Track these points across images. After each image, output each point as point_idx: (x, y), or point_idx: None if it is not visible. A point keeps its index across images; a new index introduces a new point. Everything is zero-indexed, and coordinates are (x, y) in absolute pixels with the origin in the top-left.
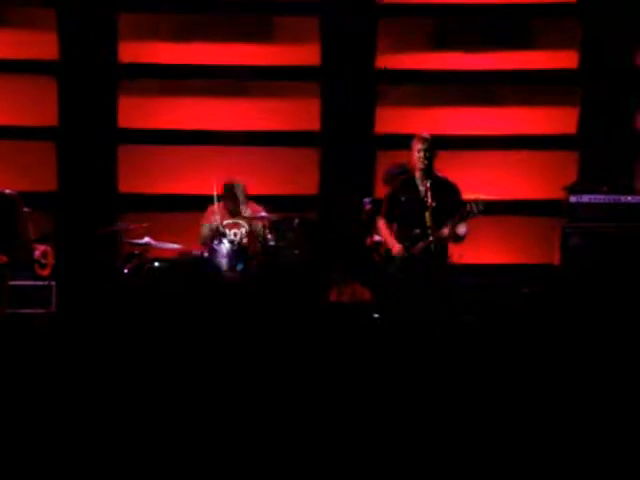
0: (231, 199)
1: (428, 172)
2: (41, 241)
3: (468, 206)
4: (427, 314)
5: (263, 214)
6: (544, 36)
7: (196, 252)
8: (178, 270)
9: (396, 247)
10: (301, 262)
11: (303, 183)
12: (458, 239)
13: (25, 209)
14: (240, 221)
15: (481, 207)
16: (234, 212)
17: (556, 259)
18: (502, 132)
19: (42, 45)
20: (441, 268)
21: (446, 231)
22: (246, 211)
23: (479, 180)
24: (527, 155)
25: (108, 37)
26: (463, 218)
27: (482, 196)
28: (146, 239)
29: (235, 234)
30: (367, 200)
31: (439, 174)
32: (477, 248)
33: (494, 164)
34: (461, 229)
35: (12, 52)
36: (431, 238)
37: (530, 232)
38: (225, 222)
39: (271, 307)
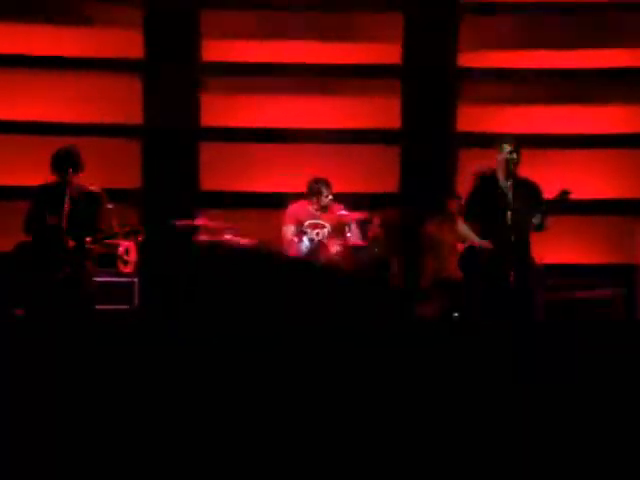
0: (316, 196)
1: (512, 173)
2: (131, 235)
3: (555, 196)
4: (509, 314)
5: (344, 212)
6: (630, 32)
7: (273, 247)
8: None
9: (483, 242)
10: (382, 260)
11: (384, 181)
12: (540, 228)
13: (109, 205)
14: (323, 221)
15: (567, 192)
16: (321, 209)
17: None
18: (586, 131)
19: (127, 43)
20: (524, 267)
21: (536, 220)
22: (330, 209)
23: (563, 179)
24: (612, 153)
25: (192, 34)
26: (554, 202)
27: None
28: (226, 236)
29: (317, 234)
30: (460, 198)
31: (521, 175)
32: (560, 248)
33: (578, 162)
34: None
35: (97, 50)
36: (513, 238)
37: (614, 231)
38: (308, 222)
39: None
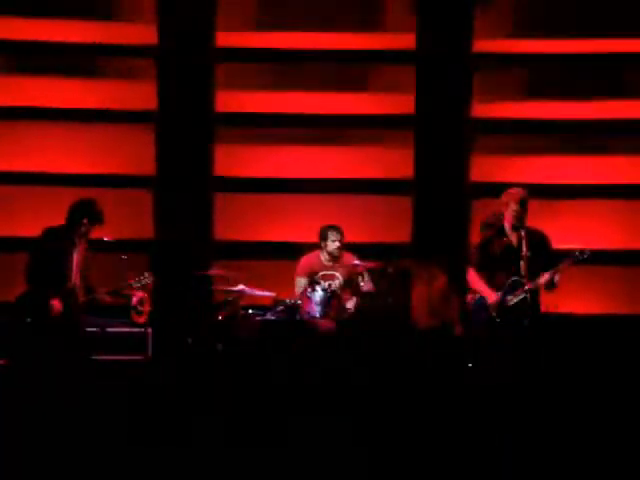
0: (324, 242)
1: (520, 222)
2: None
3: (575, 253)
4: (521, 366)
5: (357, 262)
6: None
7: (290, 300)
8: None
9: (493, 296)
10: (396, 309)
11: (397, 231)
12: (552, 287)
13: (123, 256)
14: (335, 272)
15: (587, 254)
16: (330, 256)
17: None
18: (598, 181)
19: (140, 95)
20: (536, 318)
21: (543, 280)
22: (342, 258)
23: (574, 229)
24: (624, 204)
25: (205, 86)
26: (558, 269)
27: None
28: (240, 286)
29: (330, 285)
30: (471, 248)
31: (529, 225)
32: (572, 298)
33: (590, 213)
34: (557, 277)
35: (111, 102)
36: (527, 287)
37: (626, 282)
38: (321, 273)
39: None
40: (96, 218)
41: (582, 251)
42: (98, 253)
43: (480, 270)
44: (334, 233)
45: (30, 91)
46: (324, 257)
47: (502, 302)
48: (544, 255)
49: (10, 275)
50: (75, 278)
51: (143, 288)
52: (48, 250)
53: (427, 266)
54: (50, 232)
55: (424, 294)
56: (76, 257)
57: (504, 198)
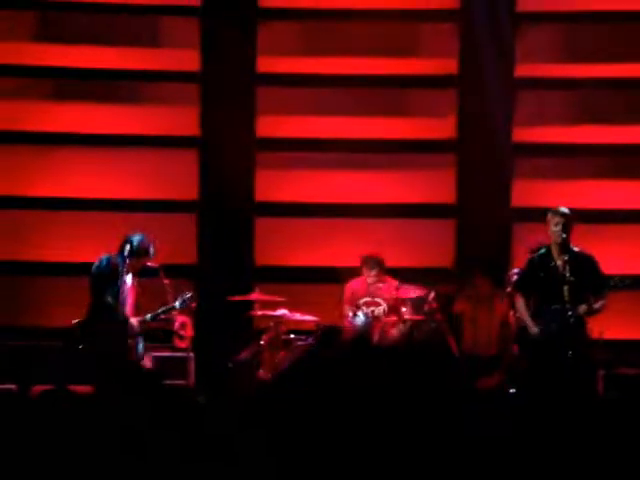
0: (372, 269)
1: (565, 246)
2: (185, 303)
3: (612, 280)
4: (567, 391)
5: (400, 288)
6: None
7: (332, 324)
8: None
9: (533, 329)
10: (439, 335)
11: (439, 255)
12: (593, 313)
13: (166, 281)
14: (378, 299)
15: (627, 282)
16: (376, 281)
17: None
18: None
19: (184, 119)
20: (581, 344)
21: (582, 310)
22: (385, 284)
23: (616, 254)
24: None
25: (247, 111)
26: (603, 292)
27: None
28: (281, 311)
29: (373, 311)
30: (515, 271)
31: (576, 248)
32: (618, 323)
33: (631, 238)
34: (597, 304)
35: (155, 128)
36: (570, 313)
37: None
38: (363, 300)
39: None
40: (146, 253)
41: (622, 278)
42: (142, 279)
43: (526, 296)
44: (370, 264)
45: (71, 118)
46: (368, 282)
47: (542, 335)
48: (592, 279)
49: (51, 299)
50: (130, 308)
51: (185, 307)
52: (111, 279)
53: (488, 291)
54: (109, 261)
55: (486, 320)
56: (129, 288)
57: (547, 218)
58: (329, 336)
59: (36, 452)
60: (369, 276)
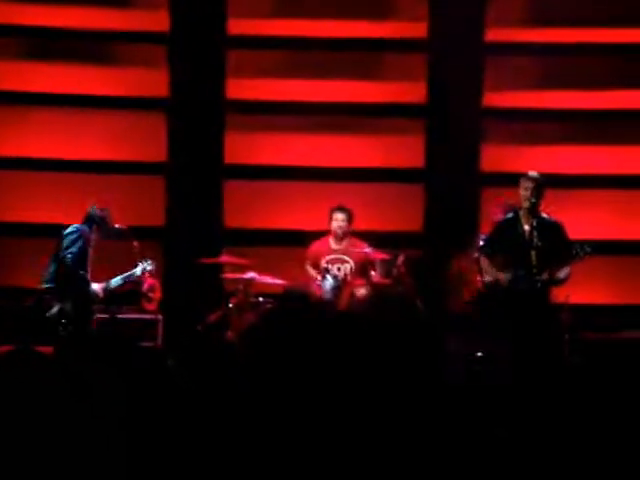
0: (331, 222)
1: (533, 211)
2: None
3: (574, 249)
4: (533, 354)
5: (367, 250)
6: None
7: (300, 287)
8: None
9: (505, 276)
10: (406, 299)
11: (407, 220)
12: (558, 282)
13: (135, 243)
14: (345, 257)
15: (588, 249)
16: (336, 238)
17: None
18: (610, 171)
19: (152, 82)
20: (546, 308)
21: (545, 276)
22: (352, 244)
23: (586, 220)
24: (633, 194)
25: (217, 74)
26: (567, 261)
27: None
28: (250, 274)
29: (339, 269)
30: (482, 237)
31: (544, 213)
32: (584, 288)
33: (601, 203)
34: (561, 273)
35: (122, 89)
36: (537, 277)
37: (636, 272)
38: (328, 257)
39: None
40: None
41: (582, 247)
42: (110, 240)
43: (491, 258)
44: (338, 213)
45: (42, 77)
46: (332, 241)
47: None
48: (558, 246)
49: (18, 260)
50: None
51: (145, 273)
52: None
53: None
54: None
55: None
56: (91, 252)
57: (519, 183)
58: (292, 299)
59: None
60: (337, 220)
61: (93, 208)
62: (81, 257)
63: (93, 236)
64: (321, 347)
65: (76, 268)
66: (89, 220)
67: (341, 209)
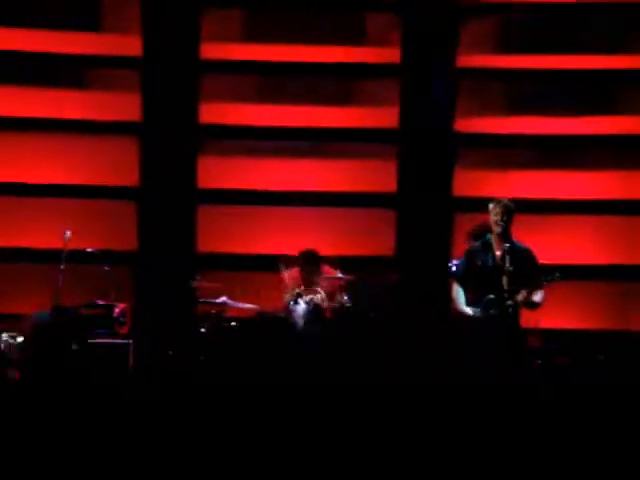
0: (311, 270)
1: (505, 236)
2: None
3: (544, 275)
4: (501, 378)
5: (339, 276)
6: (624, 102)
7: (273, 312)
8: (258, 328)
9: (469, 310)
10: (378, 323)
11: (379, 244)
12: (533, 306)
13: (106, 267)
14: (317, 287)
15: (557, 275)
16: (311, 282)
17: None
18: (580, 196)
19: (124, 106)
20: (516, 332)
21: (521, 297)
22: (321, 279)
23: (558, 244)
24: (605, 219)
25: (190, 98)
26: (539, 286)
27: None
28: (223, 298)
29: (312, 299)
30: (454, 262)
31: (515, 239)
32: (553, 313)
33: (572, 228)
34: (537, 297)
35: (95, 113)
36: (508, 302)
37: (606, 297)
38: (303, 287)
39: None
40: None
41: (551, 273)
42: (81, 265)
43: (463, 284)
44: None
45: (12, 101)
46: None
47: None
48: (529, 271)
49: None
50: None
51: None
52: None
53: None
54: None
55: None
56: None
57: (489, 208)
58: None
59: None
60: (316, 274)
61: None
62: None
63: None
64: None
65: None
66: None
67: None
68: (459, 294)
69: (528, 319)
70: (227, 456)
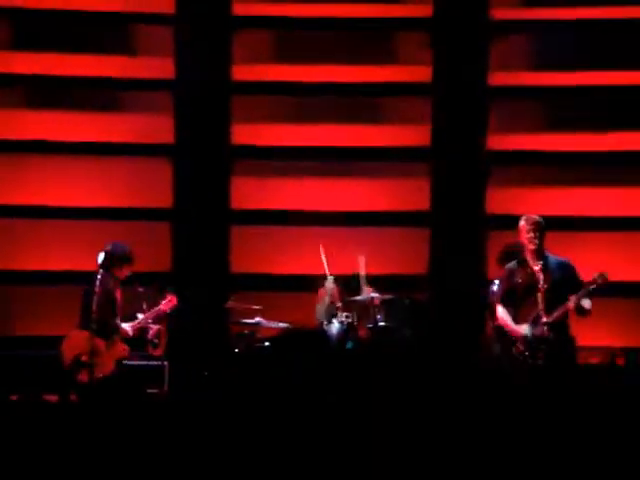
0: (352, 289)
1: (539, 253)
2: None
3: (592, 278)
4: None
5: (373, 295)
6: None
7: (305, 328)
8: (291, 344)
9: (517, 332)
10: (412, 342)
11: (413, 263)
12: (583, 312)
13: (140, 289)
14: (352, 305)
15: (605, 277)
16: (349, 303)
17: None
18: (613, 213)
19: (158, 128)
20: (564, 350)
21: (571, 304)
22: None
23: (587, 261)
24: (635, 236)
25: (222, 119)
26: (588, 290)
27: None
28: (257, 318)
29: (347, 316)
30: (496, 283)
31: (550, 254)
32: (585, 330)
33: (604, 245)
34: (586, 303)
35: (128, 136)
36: (544, 320)
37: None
38: (338, 304)
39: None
40: (127, 261)
41: (600, 274)
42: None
43: (505, 304)
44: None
45: (46, 125)
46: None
47: (528, 337)
48: (570, 285)
49: (27, 308)
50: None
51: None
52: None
53: None
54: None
55: None
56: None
57: (520, 226)
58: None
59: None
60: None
61: (116, 246)
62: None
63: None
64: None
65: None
66: (110, 260)
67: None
68: (506, 314)
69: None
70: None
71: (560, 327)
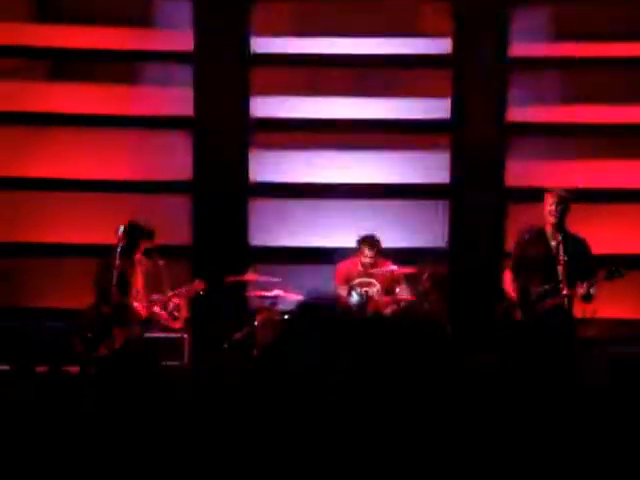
0: (359, 256)
1: (559, 226)
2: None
3: (610, 270)
4: (555, 372)
5: (393, 268)
6: None
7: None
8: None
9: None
10: (432, 315)
11: (432, 236)
12: (589, 299)
13: (161, 261)
14: (372, 280)
15: (624, 272)
16: (363, 267)
17: None
18: (635, 185)
19: (177, 101)
20: (571, 324)
21: (582, 290)
22: (379, 265)
23: (611, 234)
24: None
25: (241, 91)
26: (598, 280)
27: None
28: (276, 291)
29: (366, 292)
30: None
31: (569, 230)
32: (607, 303)
33: (626, 217)
34: (594, 290)
35: (148, 109)
36: (564, 292)
37: None
38: (357, 281)
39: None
40: (147, 236)
41: (618, 269)
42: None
43: (517, 273)
44: (368, 246)
45: (66, 97)
46: (360, 264)
47: (531, 308)
48: (583, 263)
49: (50, 281)
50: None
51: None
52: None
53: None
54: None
55: None
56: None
57: (545, 197)
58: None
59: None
60: (366, 257)
61: (135, 222)
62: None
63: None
64: (345, 349)
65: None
66: (130, 235)
67: (370, 243)
68: (511, 284)
69: (584, 310)
70: (291, 451)
71: (570, 302)
